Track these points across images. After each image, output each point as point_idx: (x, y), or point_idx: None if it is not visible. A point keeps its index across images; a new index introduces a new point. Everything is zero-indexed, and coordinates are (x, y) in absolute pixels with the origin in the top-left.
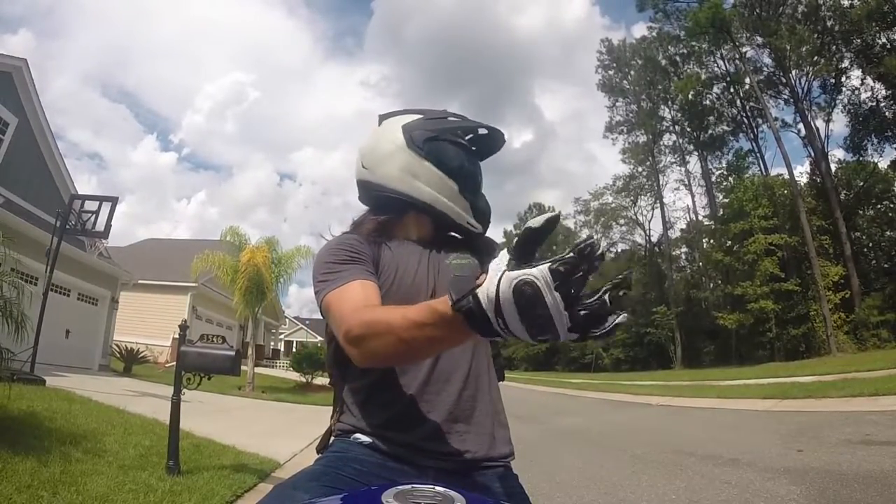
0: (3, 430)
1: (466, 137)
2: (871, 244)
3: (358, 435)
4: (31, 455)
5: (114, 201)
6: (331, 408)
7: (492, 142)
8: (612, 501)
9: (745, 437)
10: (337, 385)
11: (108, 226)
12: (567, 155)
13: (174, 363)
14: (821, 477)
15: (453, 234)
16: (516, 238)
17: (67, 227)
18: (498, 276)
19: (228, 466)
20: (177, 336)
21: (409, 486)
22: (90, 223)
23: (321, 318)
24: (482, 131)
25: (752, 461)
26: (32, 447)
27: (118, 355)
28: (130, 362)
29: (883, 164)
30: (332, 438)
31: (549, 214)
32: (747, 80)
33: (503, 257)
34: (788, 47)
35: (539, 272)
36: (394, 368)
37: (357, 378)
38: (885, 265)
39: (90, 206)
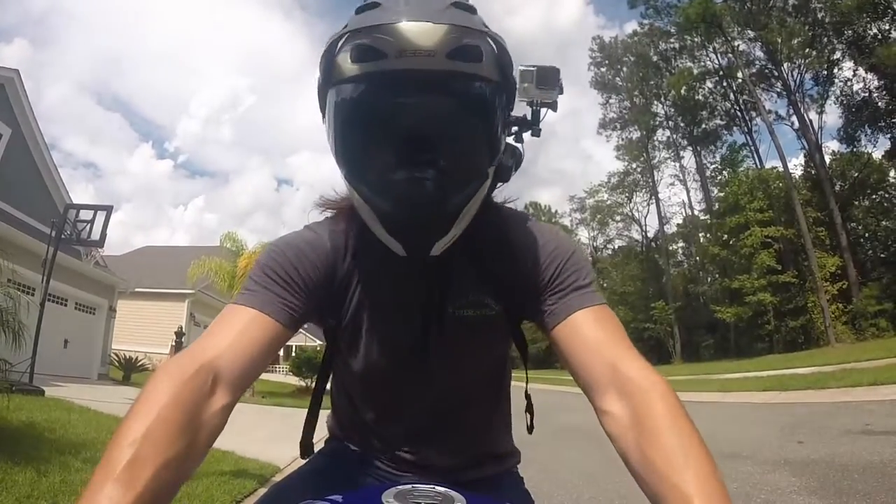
0: (3, 440)
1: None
2: (867, 234)
3: (350, 436)
4: (31, 465)
5: (109, 210)
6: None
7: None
8: (613, 498)
9: (746, 430)
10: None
11: (104, 234)
12: (563, 154)
13: None
14: (821, 468)
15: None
16: None
17: (63, 236)
18: None
19: (228, 472)
20: (174, 343)
21: (409, 486)
22: (85, 232)
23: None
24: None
25: (752, 454)
26: (32, 457)
27: (117, 364)
28: (129, 371)
29: (877, 154)
30: (327, 437)
31: None
32: (740, 74)
33: None
34: (780, 40)
35: None
36: (352, 388)
37: (335, 386)
38: (882, 255)
39: (85, 215)
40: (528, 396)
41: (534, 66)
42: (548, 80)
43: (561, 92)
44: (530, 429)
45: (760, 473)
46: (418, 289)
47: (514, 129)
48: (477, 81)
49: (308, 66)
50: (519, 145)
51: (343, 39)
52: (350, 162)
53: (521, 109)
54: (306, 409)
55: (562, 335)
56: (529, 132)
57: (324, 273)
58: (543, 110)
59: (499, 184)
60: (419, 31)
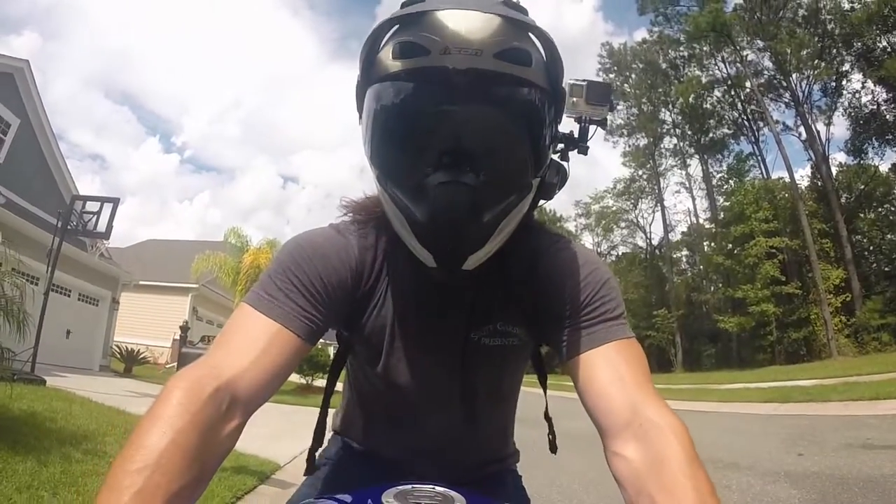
0: (4, 430)
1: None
2: (871, 247)
3: (355, 434)
4: (32, 455)
5: (115, 202)
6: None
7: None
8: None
9: (746, 441)
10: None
11: (110, 227)
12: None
13: (174, 364)
14: (821, 481)
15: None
16: None
17: (69, 227)
18: None
19: (228, 468)
20: (177, 337)
21: (409, 486)
22: (91, 224)
23: None
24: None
25: (752, 465)
26: (32, 447)
27: (119, 356)
28: (131, 363)
29: (884, 167)
30: (332, 434)
31: None
32: (748, 84)
33: None
34: (789, 51)
35: None
36: (366, 394)
37: (348, 385)
38: (886, 268)
39: (91, 206)
40: (549, 420)
41: (584, 81)
42: (599, 96)
43: (612, 109)
44: (553, 448)
45: (760, 485)
46: (442, 312)
47: (561, 146)
48: (525, 87)
49: (316, 65)
50: (565, 163)
51: (384, 32)
52: (384, 165)
53: (567, 126)
54: (306, 407)
55: (581, 367)
56: (576, 150)
57: (350, 285)
58: (592, 127)
59: (540, 201)
60: (466, 25)
